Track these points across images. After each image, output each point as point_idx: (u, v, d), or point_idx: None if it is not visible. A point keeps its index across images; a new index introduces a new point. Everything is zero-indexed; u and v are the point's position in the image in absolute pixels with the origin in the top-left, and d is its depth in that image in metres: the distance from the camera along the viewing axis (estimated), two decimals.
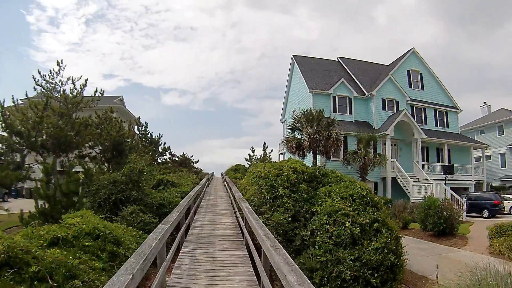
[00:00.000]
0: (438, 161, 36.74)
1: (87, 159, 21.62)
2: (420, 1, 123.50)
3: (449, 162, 35.46)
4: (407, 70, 38.72)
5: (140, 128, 32.47)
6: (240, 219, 11.20)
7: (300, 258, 8.80)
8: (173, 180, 20.29)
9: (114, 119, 22.58)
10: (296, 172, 11.45)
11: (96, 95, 21.63)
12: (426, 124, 37.11)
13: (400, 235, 10.12)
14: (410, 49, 39.76)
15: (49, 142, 18.59)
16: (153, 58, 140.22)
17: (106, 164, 22.24)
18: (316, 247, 8.78)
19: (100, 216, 12.91)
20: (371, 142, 29.05)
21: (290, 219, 9.81)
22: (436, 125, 38.39)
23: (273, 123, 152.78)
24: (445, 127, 38.95)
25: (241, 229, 10.95)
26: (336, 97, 34.97)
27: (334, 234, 8.80)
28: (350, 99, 35.46)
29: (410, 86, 38.14)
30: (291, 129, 27.20)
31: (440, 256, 14.75)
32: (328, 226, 9.01)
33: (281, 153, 43.22)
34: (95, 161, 21.84)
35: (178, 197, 16.65)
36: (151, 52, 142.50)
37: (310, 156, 26.08)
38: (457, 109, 40.28)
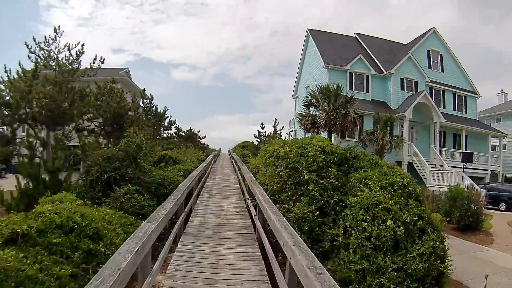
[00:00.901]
0: (454, 147, 34.60)
1: (85, 132, 19.74)
2: None
3: (466, 149, 33.43)
4: (427, 50, 36.08)
5: (145, 100, 30.30)
6: (251, 207, 9.05)
7: (328, 264, 6.79)
8: (176, 156, 18.35)
9: (116, 89, 20.50)
10: (323, 152, 9.22)
11: (96, 63, 19.48)
12: (444, 107, 34.57)
13: (446, 236, 8.11)
14: (430, 28, 36.95)
15: (42, 114, 16.66)
16: (164, 33, 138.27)
17: (106, 138, 20.42)
18: (350, 250, 6.75)
19: (91, 197, 11.36)
20: (388, 123, 26.89)
21: (317, 212, 7.67)
22: (455, 110, 35.91)
23: (283, 100, 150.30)
24: (463, 112, 36.49)
25: (251, 218, 9.03)
26: (353, 73, 32.49)
27: (374, 234, 6.78)
28: (367, 76, 33.00)
29: (429, 67, 35.58)
30: (306, 105, 24.69)
31: (470, 255, 12.99)
32: (366, 224, 6.96)
33: (292, 131, 40.93)
34: (94, 135, 19.98)
35: (180, 176, 14.83)
36: (161, 27, 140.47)
37: (324, 135, 23.81)
38: (476, 94, 37.80)
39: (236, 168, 20.16)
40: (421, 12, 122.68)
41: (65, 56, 18.35)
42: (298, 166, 8.72)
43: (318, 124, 22.87)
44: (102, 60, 19.30)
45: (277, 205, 7.36)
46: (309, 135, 23.61)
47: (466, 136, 34.16)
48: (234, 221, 9.11)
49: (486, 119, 45.96)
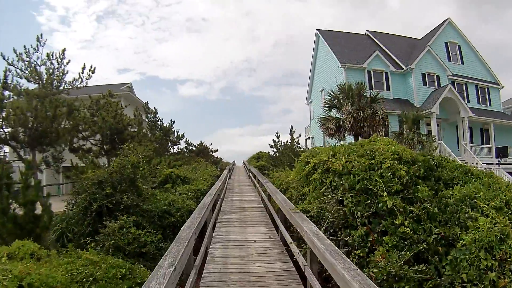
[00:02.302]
0: (482, 143, 31.71)
1: (81, 152, 17.02)
2: None
3: (495, 143, 30.56)
4: (445, 42, 33.24)
5: (149, 115, 27.39)
6: (299, 257, 5.41)
7: None
8: (185, 174, 15.34)
9: (113, 103, 17.73)
10: (401, 161, 6.07)
11: (85, 73, 16.59)
12: (468, 101, 31.32)
13: None
14: (445, 20, 34.21)
15: (26, 134, 13.96)
16: (167, 51, 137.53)
17: (106, 158, 17.72)
18: None
19: (79, 233, 8.81)
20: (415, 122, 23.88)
21: (423, 266, 4.28)
22: (479, 103, 32.94)
23: (292, 110, 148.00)
24: (488, 105, 33.50)
25: (290, 257, 6.29)
26: (371, 71, 29.63)
27: None
28: (386, 74, 30.09)
29: (449, 60, 32.75)
30: (327, 107, 21.56)
31: None
32: (494, 274, 4.02)
33: (309, 138, 38.10)
34: (93, 154, 17.25)
35: (190, 198, 11.99)
36: (164, 45, 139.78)
37: (350, 139, 20.71)
38: (499, 85, 34.87)
39: (256, 182, 17.45)
40: (420, 12, 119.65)
41: (46, 66, 15.52)
42: (371, 186, 5.51)
43: (343, 127, 19.73)
44: (92, 69, 16.43)
45: (342, 251, 4.46)
46: (332, 141, 20.74)
47: (494, 130, 31.21)
48: (269, 266, 6.19)
49: (505, 111, 42.91)
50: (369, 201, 5.31)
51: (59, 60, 15.46)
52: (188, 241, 4.09)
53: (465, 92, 32.13)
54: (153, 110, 27.57)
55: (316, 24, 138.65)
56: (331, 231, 5.41)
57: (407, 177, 5.44)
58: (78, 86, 16.13)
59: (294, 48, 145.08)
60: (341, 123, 19.84)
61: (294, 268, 5.95)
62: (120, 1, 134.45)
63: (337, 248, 3.76)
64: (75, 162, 15.50)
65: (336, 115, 21.10)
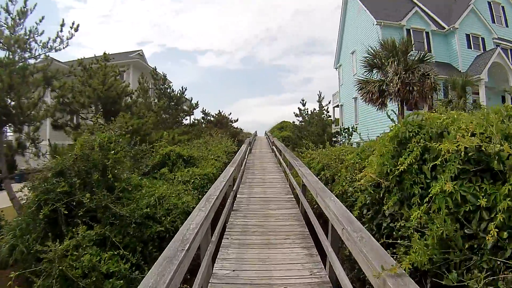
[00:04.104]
0: None
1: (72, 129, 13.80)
2: None
3: None
4: (488, 2, 28.01)
5: (157, 82, 23.67)
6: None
7: None
8: (189, 153, 11.60)
9: (106, 66, 14.15)
10: None
11: (67, 32, 12.59)
12: None
13: None
14: None
15: None
16: (186, 22, 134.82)
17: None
18: None
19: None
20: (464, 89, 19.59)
21: None
22: None
23: (313, 79, 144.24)
24: None
25: None
26: (411, 30, 24.98)
27: None
28: (427, 33, 25.45)
29: (492, 21, 27.61)
30: (367, 68, 16.86)
31: None
32: None
33: (337, 106, 33.77)
34: (86, 130, 13.86)
35: (194, 188, 8.60)
36: (183, 16, 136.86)
37: (393, 106, 16.21)
38: None
39: (281, 159, 14.55)
40: None
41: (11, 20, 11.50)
42: None
43: (387, 91, 15.45)
44: (74, 26, 12.39)
45: None
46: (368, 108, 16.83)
47: None
48: None
49: None
50: None
51: (20, 13, 11.43)
52: None
53: (510, 58, 27.33)
54: (162, 76, 23.99)
55: None
56: None
57: None
58: (57, 48, 12.28)
59: (315, 14, 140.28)
60: (384, 87, 15.57)
61: None
62: None
63: None
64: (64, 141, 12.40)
65: (378, 77, 16.70)
